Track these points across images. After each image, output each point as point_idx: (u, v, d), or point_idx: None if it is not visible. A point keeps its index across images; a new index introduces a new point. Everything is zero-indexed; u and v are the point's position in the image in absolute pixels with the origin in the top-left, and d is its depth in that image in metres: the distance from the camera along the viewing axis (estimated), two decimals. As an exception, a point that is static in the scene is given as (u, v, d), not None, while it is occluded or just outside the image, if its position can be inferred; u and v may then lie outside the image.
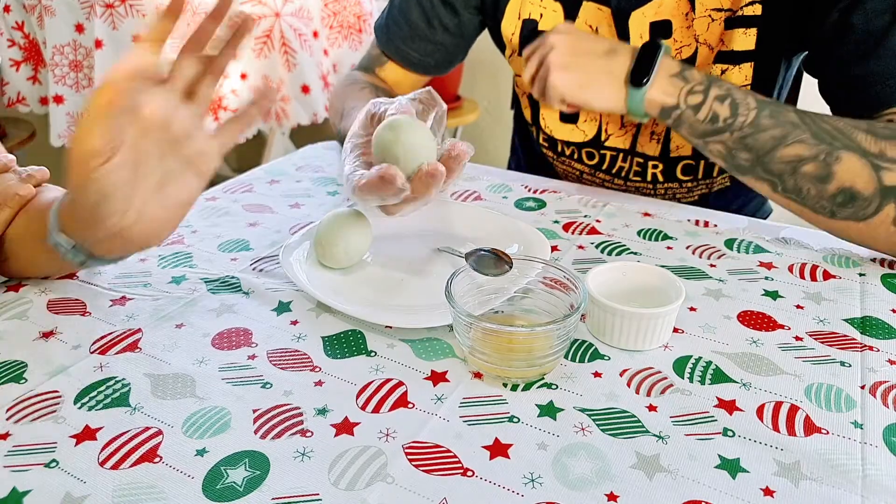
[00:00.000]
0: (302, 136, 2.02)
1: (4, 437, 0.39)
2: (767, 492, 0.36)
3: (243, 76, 1.62)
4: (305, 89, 1.66)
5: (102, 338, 0.48)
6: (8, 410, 0.41)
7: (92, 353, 0.46)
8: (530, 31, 0.78)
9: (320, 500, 0.35)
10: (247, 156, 2.25)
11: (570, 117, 0.82)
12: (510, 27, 0.81)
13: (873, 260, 0.60)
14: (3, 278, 0.55)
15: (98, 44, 1.48)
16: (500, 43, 0.84)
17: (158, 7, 1.14)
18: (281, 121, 1.68)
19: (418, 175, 0.48)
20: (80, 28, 1.51)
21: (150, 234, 0.46)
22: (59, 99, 1.57)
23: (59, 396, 0.42)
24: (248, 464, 0.38)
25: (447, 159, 0.49)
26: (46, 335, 0.48)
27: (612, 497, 0.36)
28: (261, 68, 1.63)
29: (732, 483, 0.37)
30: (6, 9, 1.62)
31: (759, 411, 0.42)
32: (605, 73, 0.64)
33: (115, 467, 0.37)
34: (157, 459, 0.38)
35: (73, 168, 0.42)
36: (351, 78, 0.86)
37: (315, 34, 1.69)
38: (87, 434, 0.39)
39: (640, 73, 0.62)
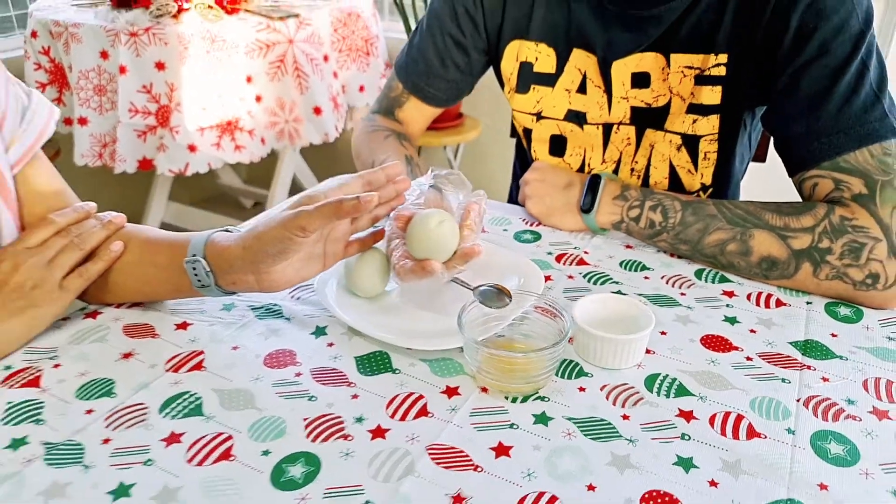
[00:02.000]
0: (312, 153, 2.12)
1: (106, 441, 0.49)
2: (713, 483, 0.46)
3: (258, 99, 1.72)
4: (317, 111, 1.76)
5: (173, 358, 0.58)
6: (106, 420, 0.51)
7: (167, 371, 0.56)
8: (528, 72, 0.89)
9: (363, 490, 0.45)
10: (257, 170, 2.34)
11: (558, 151, 0.92)
12: (509, 67, 0.91)
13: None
14: (80, 305, 0.65)
15: (122, 69, 1.59)
16: (500, 80, 0.95)
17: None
18: (294, 140, 1.78)
19: (459, 254, 0.60)
20: (104, 55, 1.61)
21: (274, 288, 0.59)
22: (83, 121, 1.67)
23: (146, 408, 0.52)
24: (303, 462, 0.47)
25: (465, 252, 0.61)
26: (126, 356, 0.58)
27: (591, 487, 0.46)
28: (275, 91, 1.73)
29: (686, 476, 0.47)
30: (34, 34, 1.72)
31: (712, 419, 0.52)
32: (564, 204, 0.81)
33: (199, 464, 0.47)
34: (232, 458, 0.48)
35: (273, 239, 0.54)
36: (372, 125, 0.95)
37: (325, 58, 1.80)
38: (174, 438, 0.49)
39: (587, 203, 0.78)
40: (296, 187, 2.17)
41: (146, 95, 1.61)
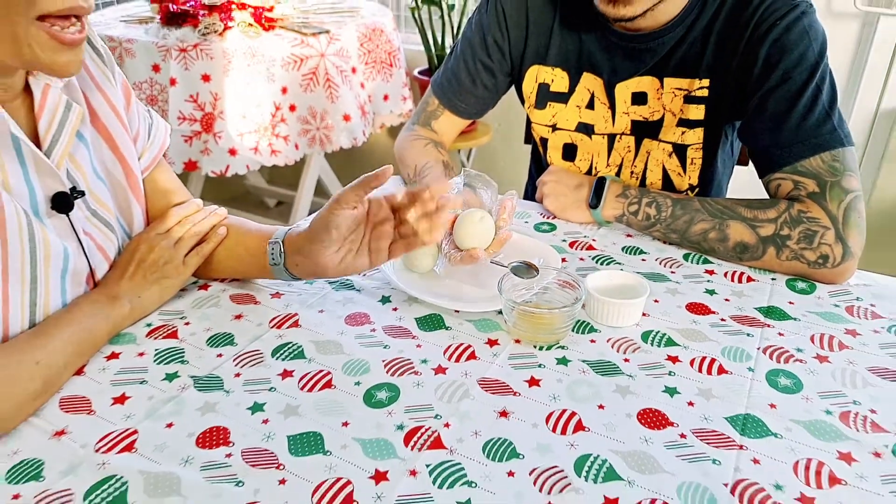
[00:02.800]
0: (335, 156, 2.29)
1: (237, 376, 0.65)
2: (690, 403, 0.63)
3: (292, 108, 1.89)
4: (346, 118, 1.93)
5: (274, 318, 0.74)
6: (234, 361, 0.67)
7: (270, 327, 0.73)
8: (545, 92, 1.05)
9: (433, 408, 0.62)
10: (280, 171, 2.50)
11: (570, 156, 1.09)
12: (529, 87, 1.08)
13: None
14: (193, 280, 0.81)
15: (172, 81, 1.76)
16: (521, 97, 1.11)
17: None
18: (325, 145, 1.94)
19: (496, 241, 0.79)
20: (156, 68, 1.78)
21: (326, 272, 0.71)
22: (135, 127, 1.83)
23: (262, 353, 0.69)
24: (386, 389, 0.64)
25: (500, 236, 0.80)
26: (238, 317, 0.75)
27: (600, 406, 0.62)
28: (308, 100, 1.90)
29: (671, 399, 0.63)
30: (89, 49, 1.88)
31: (692, 361, 0.68)
32: (575, 201, 0.98)
33: (310, 391, 0.63)
34: (333, 387, 0.64)
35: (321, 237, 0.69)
36: (414, 135, 1.12)
37: (353, 70, 1.96)
38: (286, 374, 0.66)
39: (594, 200, 0.95)
40: (320, 188, 2.34)
41: (193, 104, 1.78)
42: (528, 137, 1.28)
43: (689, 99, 0.95)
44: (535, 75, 1.06)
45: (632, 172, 1.05)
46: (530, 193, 1.28)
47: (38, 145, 0.66)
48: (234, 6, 1.87)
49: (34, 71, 0.65)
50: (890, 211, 1.99)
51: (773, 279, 0.84)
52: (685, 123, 0.97)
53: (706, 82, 0.93)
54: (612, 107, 1.01)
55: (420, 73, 2.28)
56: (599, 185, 0.95)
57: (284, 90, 1.85)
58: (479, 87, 1.09)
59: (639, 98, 0.99)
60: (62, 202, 0.67)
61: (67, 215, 0.67)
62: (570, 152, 1.09)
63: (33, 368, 0.60)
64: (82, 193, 0.69)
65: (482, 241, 0.79)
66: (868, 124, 1.95)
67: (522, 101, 1.11)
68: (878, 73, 1.87)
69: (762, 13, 0.86)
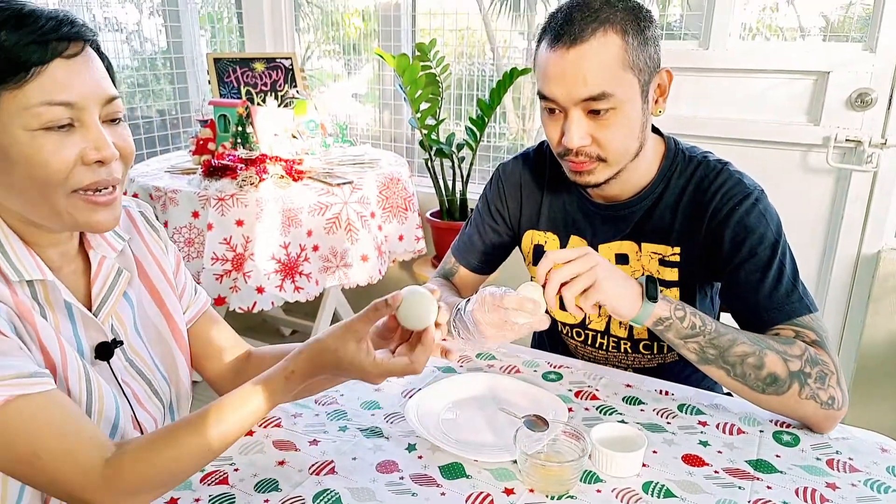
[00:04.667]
0: (355, 292, 2.43)
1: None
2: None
3: (315, 248, 2.05)
4: (364, 258, 2.09)
5: (313, 465, 0.83)
6: (278, 506, 0.76)
7: (311, 474, 0.81)
8: (540, 251, 1.19)
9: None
10: (296, 303, 2.64)
11: (563, 305, 1.20)
12: (526, 247, 1.23)
13: (770, 421, 0.95)
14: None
15: (209, 226, 1.93)
16: (522, 254, 1.25)
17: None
18: (343, 283, 2.08)
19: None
20: (195, 214, 1.96)
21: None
22: (170, 265, 1.99)
23: (303, 499, 0.77)
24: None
25: None
26: (281, 463, 0.83)
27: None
28: (330, 242, 2.07)
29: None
30: (135, 195, 2.08)
31: (688, 513, 0.76)
32: (630, 290, 0.91)
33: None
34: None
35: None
36: (438, 282, 1.27)
37: (372, 214, 2.15)
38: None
39: (652, 291, 0.91)
40: (335, 318, 2.46)
41: (226, 246, 1.95)
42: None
43: (664, 262, 1.08)
44: (531, 238, 1.21)
45: (620, 324, 1.17)
46: (536, 341, 1.39)
47: (89, 304, 0.79)
48: (268, 160, 2.09)
49: (87, 237, 0.79)
50: (881, 356, 2.08)
51: (760, 431, 0.93)
52: (663, 283, 1.10)
53: (677, 250, 1.07)
54: None
55: (432, 214, 2.47)
56: (652, 280, 0.93)
57: (309, 233, 2.03)
58: (488, 246, 1.24)
59: (621, 258, 1.12)
60: (104, 351, 0.78)
61: (108, 362, 0.79)
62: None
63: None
64: (121, 343, 0.81)
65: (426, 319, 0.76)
66: (851, 268, 2.09)
67: (524, 258, 1.26)
68: (856, 222, 2.03)
69: (720, 198, 1.01)
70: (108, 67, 0.74)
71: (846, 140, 1.95)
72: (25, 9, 0.67)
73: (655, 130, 1.10)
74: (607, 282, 0.89)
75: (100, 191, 0.71)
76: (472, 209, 2.04)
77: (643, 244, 1.09)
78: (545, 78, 0.97)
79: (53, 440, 0.66)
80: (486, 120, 2.27)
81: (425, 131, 2.33)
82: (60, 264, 0.77)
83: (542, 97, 0.99)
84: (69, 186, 0.69)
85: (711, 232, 1.02)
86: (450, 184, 2.43)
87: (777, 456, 0.87)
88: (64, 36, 0.67)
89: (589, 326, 1.19)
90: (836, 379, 0.91)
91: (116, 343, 0.79)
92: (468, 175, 2.40)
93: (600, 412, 0.97)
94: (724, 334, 0.92)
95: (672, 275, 1.08)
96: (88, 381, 0.74)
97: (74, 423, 0.68)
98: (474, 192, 2.51)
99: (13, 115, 0.65)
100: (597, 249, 1.13)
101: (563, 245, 1.17)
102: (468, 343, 0.98)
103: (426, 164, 2.43)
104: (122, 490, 0.67)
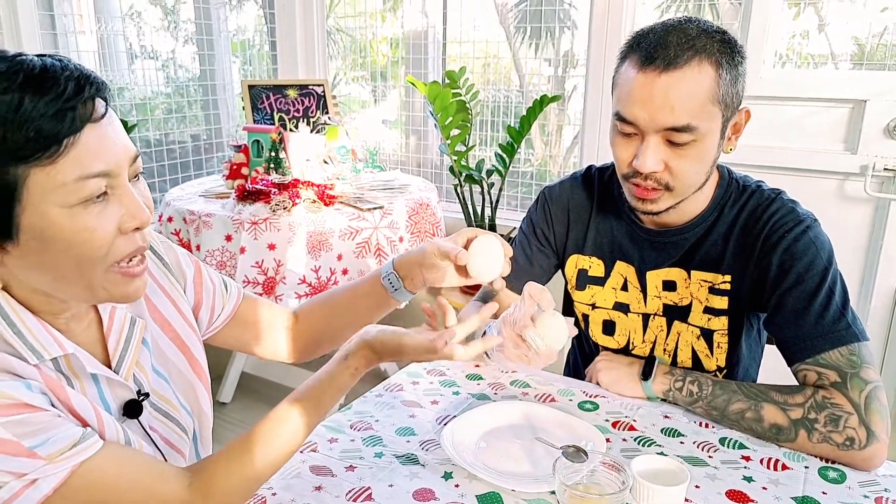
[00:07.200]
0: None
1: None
2: None
3: (345, 272, 2.06)
4: (393, 284, 2.09)
5: (350, 490, 0.82)
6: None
7: (348, 500, 0.81)
8: (584, 276, 1.19)
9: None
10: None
11: (609, 332, 1.20)
12: (570, 272, 1.22)
13: (815, 456, 0.93)
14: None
15: (242, 250, 1.95)
16: (565, 278, 1.25)
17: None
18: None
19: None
20: (229, 238, 1.99)
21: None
22: (202, 287, 2.01)
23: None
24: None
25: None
26: (318, 488, 0.83)
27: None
28: (359, 265, 2.08)
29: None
30: (170, 219, 2.13)
31: (734, 550, 0.74)
32: (628, 374, 1.08)
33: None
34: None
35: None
36: (476, 306, 1.26)
37: (401, 239, 2.16)
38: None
39: (646, 373, 1.05)
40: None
41: (257, 269, 1.97)
42: (567, 311, 1.40)
43: (714, 290, 1.07)
44: (575, 262, 1.21)
45: (664, 350, 1.15)
46: (571, 366, 1.38)
47: (106, 357, 0.75)
48: (300, 184, 2.12)
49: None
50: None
51: (806, 467, 0.90)
52: (710, 311, 1.08)
53: (728, 277, 1.06)
54: (644, 290, 1.14)
55: (460, 240, 2.47)
56: (649, 362, 1.06)
57: (339, 257, 2.04)
58: (535, 267, 1.25)
59: (669, 285, 1.11)
60: (132, 408, 0.76)
61: (138, 419, 0.77)
62: (609, 328, 1.20)
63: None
64: (147, 395, 0.78)
65: (497, 268, 0.87)
66: (891, 299, 2.04)
67: (566, 283, 1.25)
68: (894, 252, 1.99)
69: (772, 226, 1.01)
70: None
71: (884, 169, 1.92)
72: (37, 68, 0.60)
73: None
74: (603, 373, 1.10)
75: (132, 260, 0.67)
76: (501, 234, 2.07)
77: (693, 272, 1.08)
78: (629, 99, 0.93)
79: (131, 490, 0.66)
80: (516, 146, 2.28)
81: (455, 157, 2.35)
82: (72, 325, 0.73)
83: (620, 118, 0.96)
84: (109, 260, 0.65)
85: (761, 259, 1.02)
86: (478, 209, 2.43)
87: (823, 493, 0.85)
88: (88, 97, 0.61)
89: (632, 352, 1.17)
90: (858, 419, 0.89)
91: (142, 395, 0.77)
92: (497, 200, 2.41)
93: (639, 443, 0.95)
94: (720, 395, 0.98)
95: (722, 303, 1.07)
96: (128, 439, 0.73)
97: (140, 465, 0.68)
98: (503, 218, 2.51)
99: (47, 192, 0.59)
100: (644, 276, 1.12)
101: (608, 270, 1.17)
102: (496, 357, 1.03)
103: (455, 190, 2.44)
104: None
